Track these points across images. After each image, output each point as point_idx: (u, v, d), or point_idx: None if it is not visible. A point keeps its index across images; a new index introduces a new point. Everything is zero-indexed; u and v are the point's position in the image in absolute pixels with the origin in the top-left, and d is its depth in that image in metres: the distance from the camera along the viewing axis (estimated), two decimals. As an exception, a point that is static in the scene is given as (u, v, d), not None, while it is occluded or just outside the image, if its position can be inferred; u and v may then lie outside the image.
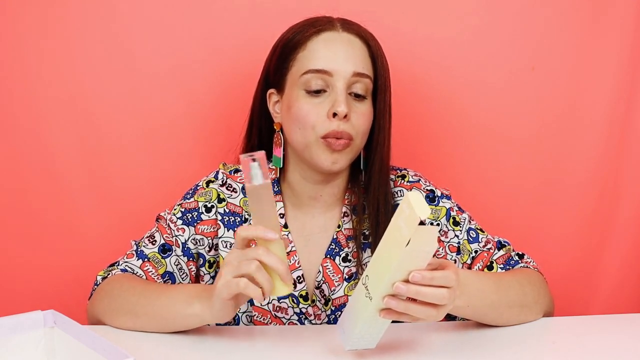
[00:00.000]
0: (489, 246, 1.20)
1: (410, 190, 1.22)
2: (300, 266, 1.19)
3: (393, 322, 0.95)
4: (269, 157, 1.24)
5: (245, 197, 1.22)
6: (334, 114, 1.12)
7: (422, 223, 0.89)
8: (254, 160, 0.92)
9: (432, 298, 0.91)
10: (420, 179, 1.24)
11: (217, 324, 1.20)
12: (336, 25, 1.17)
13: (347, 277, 1.19)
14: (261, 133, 1.24)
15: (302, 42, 1.15)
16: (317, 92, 1.14)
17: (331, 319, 1.19)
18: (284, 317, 1.19)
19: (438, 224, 1.21)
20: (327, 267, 1.19)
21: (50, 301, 1.34)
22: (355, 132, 1.13)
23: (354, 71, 1.13)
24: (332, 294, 1.19)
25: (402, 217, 0.88)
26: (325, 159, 1.14)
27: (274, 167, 1.23)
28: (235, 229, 1.20)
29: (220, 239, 1.20)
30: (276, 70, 1.18)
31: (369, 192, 1.18)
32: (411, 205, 0.85)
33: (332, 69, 1.13)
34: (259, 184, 0.92)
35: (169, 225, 1.20)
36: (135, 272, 1.16)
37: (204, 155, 1.44)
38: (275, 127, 1.21)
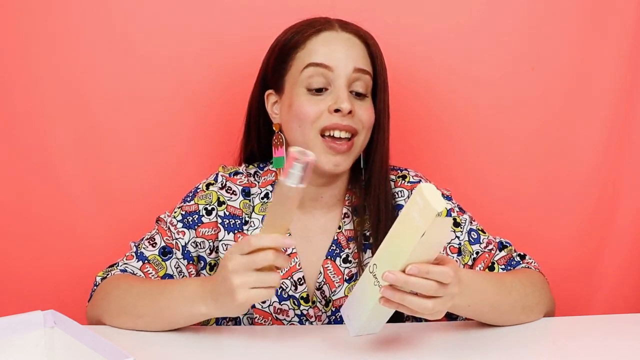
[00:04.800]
0: (490, 247, 1.19)
1: (411, 191, 1.22)
2: (301, 268, 1.19)
3: (394, 321, 0.95)
4: (269, 158, 1.24)
5: (244, 199, 1.21)
6: (336, 110, 1.12)
7: None
8: (299, 161, 0.88)
9: (419, 288, 0.90)
10: (421, 180, 1.24)
11: (217, 324, 1.20)
12: (334, 25, 1.17)
13: (347, 278, 1.19)
14: (259, 135, 1.24)
15: (301, 42, 1.16)
16: (319, 91, 1.14)
17: (332, 320, 1.19)
18: (284, 319, 1.19)
19: None
20: (328, 268, 1.19)
21: (50, 301, 1.34)
22: (361, 126, 1.14)
23: (354, 67, 1.13)
24: (333, 295, 1.18)
25: (415, 209, 0.87)
26: (327, 161, 1.14)
27: (274, 169, 1.22)
28: (235, 231, 1.19)
29: (221, 242, 1.19)
30: (274, 71, 1.19)
31: (369, 193, 1.18)
32: (425, 197, 0.85)
33: (332, 64, 1.13)
34: (290, 185, 0.89)
35: (169, 228, 1.20)
36: (135, 274, 1.15)
37: (203, 156, 1.44)
38: (274, 128, 1.21)
